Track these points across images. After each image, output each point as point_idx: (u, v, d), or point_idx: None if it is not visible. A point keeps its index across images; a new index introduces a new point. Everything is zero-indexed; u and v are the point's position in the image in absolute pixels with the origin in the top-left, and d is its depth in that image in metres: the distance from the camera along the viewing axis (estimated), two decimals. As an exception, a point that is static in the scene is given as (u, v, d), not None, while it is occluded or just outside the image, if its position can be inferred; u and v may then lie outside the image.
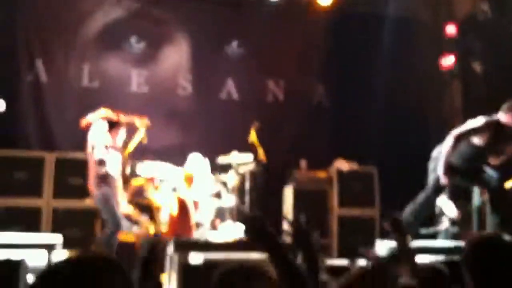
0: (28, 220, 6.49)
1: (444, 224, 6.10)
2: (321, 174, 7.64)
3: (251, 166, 6.95)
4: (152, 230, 6.29)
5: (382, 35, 8.79)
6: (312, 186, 7.52)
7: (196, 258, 5.51)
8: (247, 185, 6.85)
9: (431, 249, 5.51)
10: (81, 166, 6.86)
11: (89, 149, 6.16)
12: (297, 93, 8.92)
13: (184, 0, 8.66)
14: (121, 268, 1.58)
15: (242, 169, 6.90)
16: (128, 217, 6.67)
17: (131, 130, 7.29)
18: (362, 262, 5.31)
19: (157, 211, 6.67)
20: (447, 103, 9.01)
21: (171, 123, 8.28)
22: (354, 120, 8.63)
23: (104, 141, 6.11)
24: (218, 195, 6.68)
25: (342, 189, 7.55)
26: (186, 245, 5.53)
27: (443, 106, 9.01)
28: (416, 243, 5.59)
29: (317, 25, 8.88)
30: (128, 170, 6.82)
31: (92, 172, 6.11)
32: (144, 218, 6.63)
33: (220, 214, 6.64)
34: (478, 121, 5.69)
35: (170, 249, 5.36)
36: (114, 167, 6.15)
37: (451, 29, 8.84)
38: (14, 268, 4.36)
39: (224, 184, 6.81)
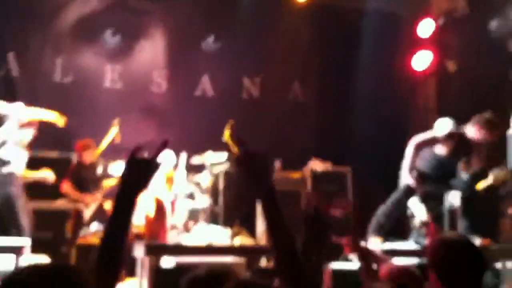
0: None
1: (416, 226, 6.14)
2: (295, 175, 7.62)
3: (225, 166, 6.90)
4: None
5: (361, 30, 8.76)
6: (286, 187, 7.48)
7: (167, 261, 5.48)
8: (221, 185, 6.80)
9: (402, 252, 5.55)
10: (53, 166, 6.76)
11: None
12: (272, 90, 8.88)
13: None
14: (86, 278, 1.57)
15: (216, 169, 6.85)
16: (104, 216, 6.61)
17: (104, 128, 7.22)
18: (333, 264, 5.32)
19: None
20: (421, 101, 9.02)
21: (145, 120, 8.19)
22: (330, 119, 8.62)
23: (14, 138, 5.89)
24: (191, 196, 6.63)
25: (316, 190, 7.53)
26: (157, 249, 5.49)
27: (418, 104, 9.02)
28: (387, 245, 5.63)
29: (294, 21, 8.82)
30: (100, 170, 6.74)
31: None
32: None
33: (193, 215, 6.59)
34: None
35: (140, 252, 5.32)
36: (20, 167, 5.93)
37: (428, 26, 8.83)
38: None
39: (198, 184, 6.76)
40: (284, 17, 8.73)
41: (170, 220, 6.29)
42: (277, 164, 7.78)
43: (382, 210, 5.80)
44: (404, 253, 5.48)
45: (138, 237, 5.97)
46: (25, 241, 5.19)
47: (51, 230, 6.38)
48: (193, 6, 8.52)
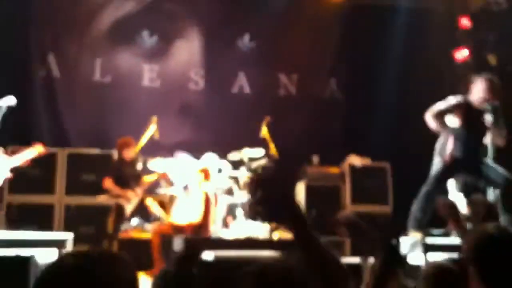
0: (40, 217, 6.51)
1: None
2: (334, 170, 7.58)
3: (263, 162, 6.91)
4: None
5: (396, 27, 8.67)
6: (325, 182, 7.45)
7: (207, 255, 5.50)
8: (258, 181, 6.80)
9: (444, 247, 5.45)
10: (94, 162, 6.89)
11: None
12: (309, 87, 8.87)
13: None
14: (127, 264, 1.59)
15: (254, 165, 6.86)
16: (144, 211, 6.69)
17: (143, 126, 7.31)
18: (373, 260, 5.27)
19: (169, 206, 6.67)
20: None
21: (183, 118, 8.27)
22: (367, 115, 8.55)
23: None
24: (229, 192, 6.65)
25: (355, 185, 7.48)
26: (196, 243, 5.52)
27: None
28: (428, 240, 5.54)
29: (329, 18, 8.80)
30: (139, 166, 6.82)
31: None
32: (162, 213, 6.63)
33: (232, 211, 6.62)
34: (448, 99, 5.62)
35: (179, 245, 5.36)
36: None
37: (465, 21, 8.71)
38: (23, 264, 4.36)
39: (236, 180, 6.78)
40: (318, 15, 8.72)
41: (213, 216, 6.32)
42: (315, 159, 7.75)
43: (416, 204, 5.70)
44: (447, 248, 5.37)
45: (179, 231, 6.01)
46: (68, 235, 5.27)
47: (93, 225, 6.49)
48: (227, 5, 8.57)
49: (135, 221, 6.71)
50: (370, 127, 8.43)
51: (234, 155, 6.97)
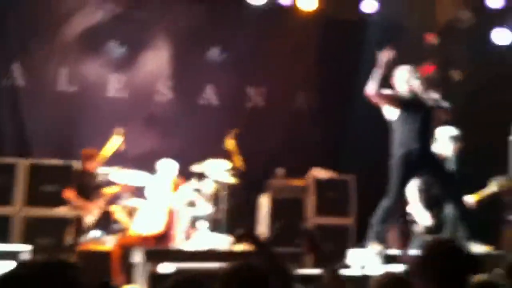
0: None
1: (418, 233, 6.09)
2: (298, 182, 7.60)
3: (228, 174, 6.89)
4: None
5: (365, 42, 8.76)
6: (289, 194, 7.47)
7: (167, 267, 5.46)
8: (223, 193, 6.79)
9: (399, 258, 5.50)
10: (56, 173, 6.79)
11: None
12: (277, 100, 8.89)
13: (166, 4, 8.60)
14: (83, 274, 1.63)
15: (218, 177, 6.84)
16: (106, 223, 6.61)
17: (108, 136, 7.25)
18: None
19: (131, 218, 6.60)
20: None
21: (149, 129, 8.23)
22: (334, 128, 8.62)
23: None
24: (192, 204, 6.62)
25: (319, 197, 7.50)
26: (157, 254, 5.48)
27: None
28: (389, 252, 5.58)
29: (299, 31, 8.84)
30: (103, 178, 6.76)
31: None
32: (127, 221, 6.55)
33: (195, 223, 6.58)
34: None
35: (139, 257, 5.31)
36: None
37: (431, 38, 8.85)
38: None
39: (199, 192, 6.75)
40: (287, 28, 8.75)
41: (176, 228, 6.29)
42: (281, 171, 7.77)
43: (376, 217, 5.72)
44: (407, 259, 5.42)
45: (142, 242, 5.95)
46: (25, 247, 5.19)
47: (53, 237, 6.38)
48: (197, 17, 8.57)
49: (95, 233, 6.63)
50: (336, 140, 8.49)
51: (197, 167, 6.94)
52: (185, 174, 6.81)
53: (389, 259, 5.25)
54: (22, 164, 6.78)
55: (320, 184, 7.50)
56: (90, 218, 6.47)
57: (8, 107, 7.87)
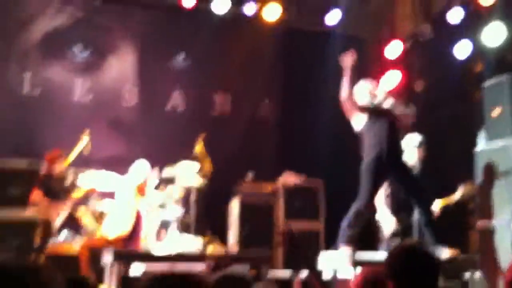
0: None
1: (385, 237, 6.20)
2: (267, 188, 7.65)
3: (197, 177, 6.88)
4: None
5: (328, 52, 8.91)
6: (258, 199, 7.51)
7: (136, 269, 5.41)
8: (192, 197, 6.77)
9: (373, 262, 5.57)
10: (21, 175, 6.65)
11: None
12: (243, 106, 8.95)
13: (130, 9, 8.57)
14: (53, 275, 1.56)
15: (187, 181, 6.81)
16: (73, 225, 6.51)
17: (73, 140, 7.14)
18: (304, 274, 5.33)
19: (100, 220, 6.52)
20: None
21: (115, 134, 8.15)
22: (300, 134, 8.71)
23: None
24: (162, 206, 6.58)
25: (288, 202, 7.56)
26: (126, 256, 5.42)
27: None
28: (357, 255, 5.65)
29: (263, 40, 8.94)
30: (68, 181, 6.65)
31: None
32: (93, 224, 6.47)
33: (165, 225, 6.54)
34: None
35: (109, 259, 5.24)
36: None
37: (395, 48, 9.04)
38: None
39: (169, 195, 6.72)
40: (253, 37, 8.83)
41: (144, 230, 6.24)
42: (249, 176, 7.80)
43: (346, 220, 5.81)
44: (375, 263, 5.49)
45: (109, 244, 5.88)
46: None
47: (19, 239, 6.25)
48: (163, 23, 8.57)
49: (63, 235, 6.51)
50: (304, 145, 8.58)
51: (168, 171, 6.91)
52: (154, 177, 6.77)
53: (358, 263, 5.32)
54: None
55: (289, 189, 7.57)
56: (57, 220, 6.34)
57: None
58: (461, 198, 6.43)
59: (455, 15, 8.46)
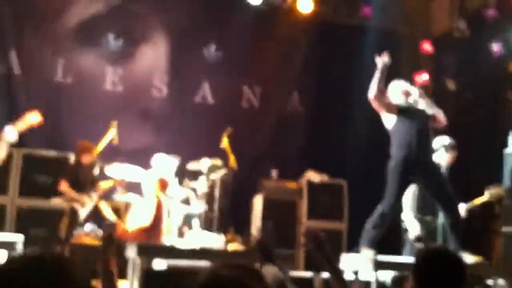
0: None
1: (409, 240, 6.14)
2: (291, 185, 7.63)
3: (222, 173, 6.90)
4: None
5: (361, 47, 8.81)
6: (282, 196, 7.49)
7: (159, 264, 5.46)
8: (217, 192, 6.80)
9: (394, 264, 5.53)
10: (50, 165, 6.77)
11: None
12: (272, 100, 8.92)
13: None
14: (78, 269, 1.56)
15: (212, 176, 6.85)
16: (98, 217, 6.60)
17: (102, 130, 7.21)
18: (326, 274, 5.31)
19: (124, 213, 6.61)
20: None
21: (144, 124, 8.22)
22: (328, 131, 8.65)
23: None
24: (186, 201, 6.62)
25: (311, 201, 7.54)
26: (150, 250, 5.48)
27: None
28: (380, 258, 5.61)
29: (296, 33, 8.88)
30: (97, 172, 6.73)
31: None
32: (114, 217, 6.57)
33: (188, 220, 6.59)
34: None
35: (132, 253, 5.30)
36: None
37: (427, 46, 8.91)
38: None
39: (194, 190, 6.76)
40: (285, 29, 8.78)
41: (165, 224, 6.30)
42: (274, 172, 7.79)
43: (370, 222, 5.76)
44: (398, 266, 5.46)
45: (132, 237, 5.95)
46: (18, 238, 5.16)
47: (45, 228, 6.37)
48: (195, 13, 8.57)
49: (88, 226, 6.61)
50: (331, 143, 8.52)
51: (192, 165, 6.95)
52: (179, 171, 6.82)
53: (381, 265, 5.29)
54: (16, 154, 6.74)
55: (313, 187, 7.54)
56: (83, 211, 6.44)
57: (3, 95, 7.81)
58: (487, 201, 6.33)
59: (491, 13, 8.29)
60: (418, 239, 6.03)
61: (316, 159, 8.17)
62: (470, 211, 6.22)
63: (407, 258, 5.83)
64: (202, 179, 6.78)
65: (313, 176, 7.58)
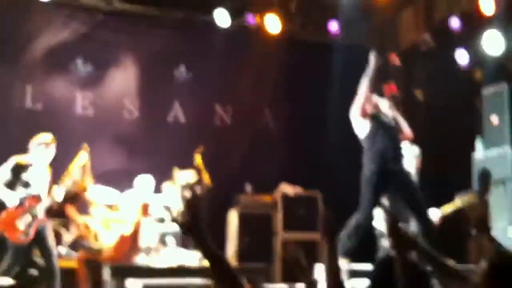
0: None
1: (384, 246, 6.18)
2: (266, 198, 7.66)
3: (195, 189, 6.90)
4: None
5: (330, 63, 8.94)
6: (257, 210, 7.51)
7: (134, 284, 5.42)
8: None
9: (369, 273, 5.54)
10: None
11: None
12: (244, 118, 8.97)
13: (132, 23, 8.63)
14: None
15: (186, 193, 6.83)
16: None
17: (75, 152, 7.17)
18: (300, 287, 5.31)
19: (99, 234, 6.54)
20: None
21: (117, 147, 8.19)
22: (300, 145, 8.73)
23: None
24: (161, 220, 6.60)
25: (287, 213, 7.56)
26: (124, 271, 5.43)
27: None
28: (354, 266, 5.63)
29: (266, 51, 8.95)
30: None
31: None
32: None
33: (163, 239, 6.55)
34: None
35: (106, 274, 5.25)
36: None
37: (395, 59, 9.04)
38: None
39: (168, 208, 6.74)
40: (254, 47, 8.86)
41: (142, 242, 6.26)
42: (248, 187, 7.81)
43: (345, 231, 5.79)
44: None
45: (108, 258, 5.90)
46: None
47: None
48: (163, 35, 8.64)
49: (62, 249, 6.53)
50: (303, 157, 8.58)
51: (167, 185, 6.94)
52: (154, 190, 6.82)
53: (354, 274, 5.32)
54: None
55: (288, 200, 7.57)
56: (68, 235, 6.39)
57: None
58: (460, 207, 6.41)
59: (455, 24, 8.47)
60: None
61: (290, 172, 8.21)
62: (444, 217, 6.30)
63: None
64: (177, 197, 6.76)
65: (287, 188, 7.62)
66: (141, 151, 8.15)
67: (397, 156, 5.99)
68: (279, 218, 7.54)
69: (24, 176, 6.00)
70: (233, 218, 7.56)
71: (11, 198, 5.91)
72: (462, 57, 8.68)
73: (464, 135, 7.58)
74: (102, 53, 8.50)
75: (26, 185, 5.99)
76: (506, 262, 2.43)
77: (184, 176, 6.85)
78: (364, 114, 5.84)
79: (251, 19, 8.77)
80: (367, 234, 6.04)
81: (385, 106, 6.04)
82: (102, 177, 7.26)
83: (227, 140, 8.66)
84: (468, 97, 8.03)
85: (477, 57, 8.06)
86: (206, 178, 7.07)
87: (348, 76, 8.69)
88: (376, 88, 6.13)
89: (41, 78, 8.20)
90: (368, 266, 5.69)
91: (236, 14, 8.52)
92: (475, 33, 7.91)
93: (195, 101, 8.72)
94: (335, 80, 8.82)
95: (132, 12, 8.55)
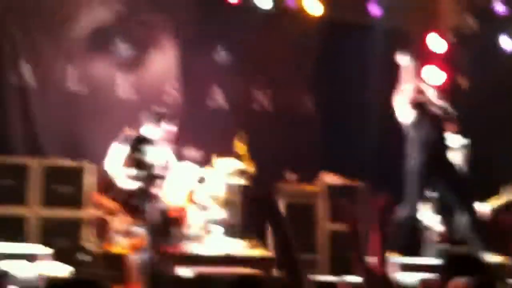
0: (13, 230, 6.32)
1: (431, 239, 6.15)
2: (310, 188, 7.59)
3: (240, 177, 6.90)
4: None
5: (372, 46, 8.82)
6: (301, 200, 7.44)
7: (184, 272, 5.47)
8: (237, 198, 6.79)
9: (419, 267, 5.53)
10: (71, 175, 6.75)
11: None
12: (284, 103, 8.92)
13: (173, 5, 8.58)
14: None
15: (231, 180, 6.84)
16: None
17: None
18: (350, 278, 5.32)
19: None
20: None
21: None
22: (340, 132, 8.65)
23: None
24: (205, 208, 6.62)
25: (331, 203, 7.51)
26: (171, 258, 5.48)
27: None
28: (401, 260, 5.60)
29: (307, 35, 8.88)
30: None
31: None
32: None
33: (208, 227, 6.57)
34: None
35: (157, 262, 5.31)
36: None
37: (438, 42, 8.90)
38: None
39: (214, 196, 6.75)
40: (295, 31, 8.78)
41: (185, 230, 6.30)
42: (291, 176, 7.74)
43: (393, 225, 5.78)
44: (424, 268, 5.43)
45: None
46: (41, 249, 5.18)
47: (68, 238, 6.37)
48: (204, 17, 8.57)
49: (117, 237, 6.58)
50: (346, 144, 8.51)
51: (209, 171, 6.95)
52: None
53: (407, 268, 5.30)
54: (34, 164, 6.74)
55: (333, 190, 7.50)
56: (117, 222, 6.44)
57: (17, 105, 7.82)
58: (508, 200, 6.34)
59: (500, 8, 8.30)
60: (440, 241, 6.03)
61: (329, 161, 8.14)
62: (493, 211, 6.23)
63: (430, 260, 5.84)
64: (220, 184, 6.77)
65: (330, 177, 7.55)
66: (180, 135, 8.13)
67: (444, 146, 5.93)
68: (323, 208, 7.44)
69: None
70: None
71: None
72: (506, 42, 8.53)
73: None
74: (142, 36, 8.48)
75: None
76: None
77: (226, 164, 6.83)
78: (410, 102, 5.77)
79: (291, 1, 8.66)
80: (413, 227, 6.03)
81: (433, 94, 5.94)
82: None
83: (268, 125, 8.61)
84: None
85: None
86: (249, 165, 7.06)
87: (390, 60, 8.63)
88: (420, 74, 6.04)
89: (84, 60, 8.20)
90: (414, 260, 5.68)
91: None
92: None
93: (235, 85, 8.67)
94: (377, 63, 8.72)
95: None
